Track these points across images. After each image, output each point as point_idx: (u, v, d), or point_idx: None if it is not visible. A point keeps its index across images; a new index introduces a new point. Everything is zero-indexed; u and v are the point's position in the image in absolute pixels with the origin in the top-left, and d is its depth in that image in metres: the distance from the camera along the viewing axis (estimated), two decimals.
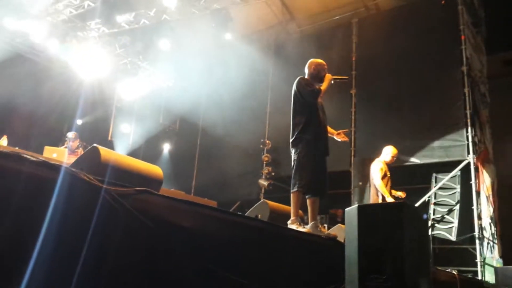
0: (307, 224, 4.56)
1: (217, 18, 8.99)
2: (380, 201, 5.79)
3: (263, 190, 9.72)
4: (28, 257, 2.14)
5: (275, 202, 5.25)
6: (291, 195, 4.48)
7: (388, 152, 6.08)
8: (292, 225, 4.34)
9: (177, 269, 2.74)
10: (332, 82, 4.67)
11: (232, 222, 3.28)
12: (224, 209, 3.54)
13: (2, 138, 6.98)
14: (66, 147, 7.24)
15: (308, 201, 4.49)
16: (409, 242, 2.67)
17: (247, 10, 9.51)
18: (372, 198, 5.97)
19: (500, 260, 7.59)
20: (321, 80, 4.64)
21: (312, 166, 4.46)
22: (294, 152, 4.56)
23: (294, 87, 4.64)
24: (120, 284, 2.41)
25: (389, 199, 5.73)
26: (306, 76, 4.73)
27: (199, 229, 2.95)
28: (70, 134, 7.43)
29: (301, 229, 4.23)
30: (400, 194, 6.00)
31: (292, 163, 4.56)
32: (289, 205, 4.57)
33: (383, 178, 5.86)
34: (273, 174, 9.77)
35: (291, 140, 4.60)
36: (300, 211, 5.03)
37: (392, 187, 6.01)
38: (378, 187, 5.82)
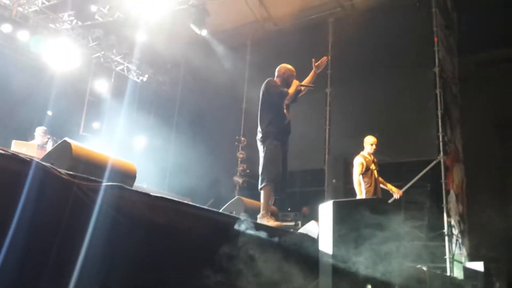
0: (281, 219, 4.61)
1: (194, 13, 8.92)
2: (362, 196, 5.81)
3: (237, 187, 9.71)
4: None
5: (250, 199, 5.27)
6: (261, 190, 4.56)
7: (367, 142, 6.11)
8: (263, 219, 4.39)
9: (150, 264, 2.71)
10: (299, 88, 4.84)
11: (206, 218, 3.27)
12: (198, 205, 3.51)
13: None
14: (36, 142, 7.06)
15: (264, 191, 4.55)
16: (383, 238, 2.71)
17: (224, 6, 9.45)
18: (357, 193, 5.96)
19: (467, 258, 7.80)
20: (289, 85, 4.80)
21: (278, 162, 4.58)
22: (262, 149, 4.66)
23: (262, 87, 4.80)
24: (92, 278, 2.36)
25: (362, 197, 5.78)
26: (275, 78, 4.90)
27: (173, 225, 2.92)
28: (39, 130, 7.26)
29: (271, 223, 4.28)
30: (395, 192, 6.03)
31: (260, 160, 4.65)
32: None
33: (365, 172, 5.87)
34: (247, 171, 9.76)
35: (258, 137, 4.73)
36: (273, 207, 5.06)
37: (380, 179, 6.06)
38: (354, 183, 5.88)
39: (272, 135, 4.65)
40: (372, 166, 5.97)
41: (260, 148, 4.70)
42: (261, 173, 4.59)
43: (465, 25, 9.82)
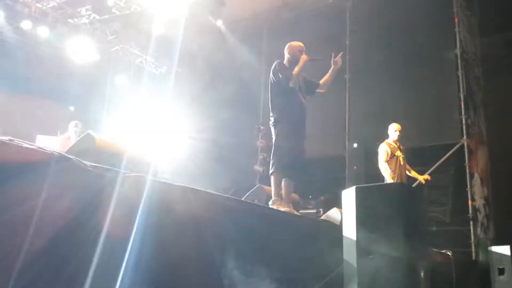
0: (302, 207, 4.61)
1: (210, 3, 8.90)
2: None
3: (258, 176, 9.72)
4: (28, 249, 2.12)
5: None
6: (271, 177, 4.54)
7: (391, 129, 6.13)
8: (273, 205, 4.38)
9: (175, 255, 2.74)
10: (309, 62, 4.68)
11: (231, 207, 3.29)
12: (221, 194, 3.54)
13: None
14: (67, 137, 7.13)
15: (283, 183, 4.52)
16: (407, 223, 2.69)
17: None
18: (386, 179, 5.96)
19: (493, 241, 7.68)
20: (297, 62, 4.65)
21: (289, 148, 4.49)
22: (273, 134, 4.61)
23: (270, 72, 4.71)
24: (114, 270, 2.40)
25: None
26: (284, 61, 4.75)
27: (198, 215, 2.95)
28: (72, 124, 7.33)
29: (281, 209, 4.27)
30: (421, 178, 5.99)
31: (272, 145, 4.63)
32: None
33: (390, 159, 5.88)
34: (268, 160, 9.74)
35: (270, 123, 4.65)
36: (295, 195, 5.05)
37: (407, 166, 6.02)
38: (381, 170, 5.86)
39: (283, 121, 4.55)
40: (398, 153, 5.98)
41: (273, 134, 4.67)
42: (271, 159, 4.58)
43: (486, 5, 9.54)
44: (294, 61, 4.68)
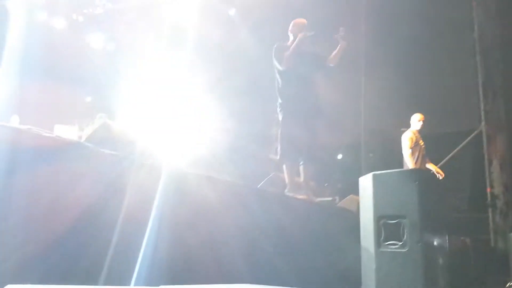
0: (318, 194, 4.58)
1: None
2: None
3: (274, 165, 9.71)
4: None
5: None
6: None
7: (414, 120, 6.11)
8: (289, 193, 4.35)
9: (191, 243, 2.76)
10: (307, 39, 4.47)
11: (246, 195, 3.30)
12: (237, 182, 3.55)
13: (13, 117, 6.99)
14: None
15: (285, 169, 4.51)
16: (424, 209, 2.66)
17: None
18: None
19: None
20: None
21: (287, 134, 4.43)
22: (279, 119, 4.59)
23: (272, 54, 4.60)
24: (132, 256, 2.43)
25: None
26: (289, 41, 4.58)
27: (213, 203, 2.96)
28: (99, 116, 7.39)
29: (299, 196, 4.24)
30: (437, 171, 5.94)
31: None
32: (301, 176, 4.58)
33: (414, 147, 5.86)
34: None
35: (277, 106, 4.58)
36: (311, 182, 5.02)
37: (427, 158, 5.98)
38: (405, 157, 5.83)
39: (285, 110, 4.44)
40: (421, 142, 5.96)
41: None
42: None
43: None
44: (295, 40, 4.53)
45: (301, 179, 4.47)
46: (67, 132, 6.17)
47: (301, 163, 4.50)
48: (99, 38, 9.57)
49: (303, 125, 4.42)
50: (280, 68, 4.39)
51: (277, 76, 4.52)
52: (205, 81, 11.83)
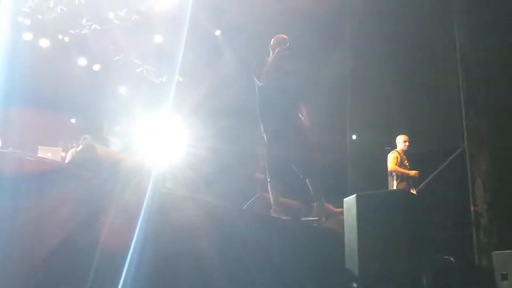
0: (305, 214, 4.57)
1: (209, 12, 8.97)
2: None
3: (260, 184, 9.68)
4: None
5: None
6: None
7: (399, 141, 6.21)
8: (273, 214, 4.31)
9: (175, 264, 2.74)
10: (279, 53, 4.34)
11: (231, 216, 3.28)
12: (222, 203, 3.54)
13: None
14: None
15: (270, 190, 4.45)
16: (409, 231, 2.68)
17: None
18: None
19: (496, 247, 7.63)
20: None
21: (272, 155, 4.37)
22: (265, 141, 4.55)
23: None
24: (114, 278, 2.40)
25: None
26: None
27: (198, 224, 2.94)
28: (84, 138, 7.31)
29: (283, 217, 4.20)
30: (412, 174, 6.02)
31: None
32: (288, 197, 4.59)
33: (399, 166, 5.94)
34: None
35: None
36: (294, 202, 4.99)
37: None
38: (390, 171, 5.87)
39: (268, 133, 4.36)
40: (406, 162, 6.06)
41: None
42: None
43: (487, 7, 9.55)
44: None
45: (286, 199, 4.47)
46: (51, 153, 6.13)
47: (287, 182, 4.49)
48: (85, 59, 9.56)
49: (287, 144, 4.33)
50: (260, 83, 4.27)
51: (257, 92, 4.40)
52: (191, 100, 11.88)
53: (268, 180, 4.42)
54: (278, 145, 4.34)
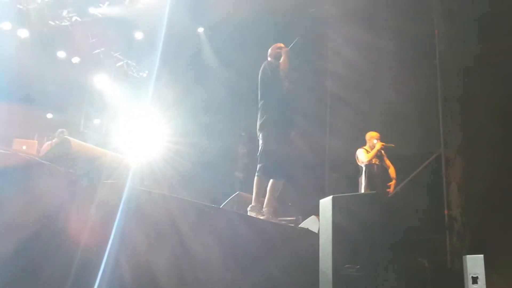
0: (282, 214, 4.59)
1: (191, 9, 8.93)
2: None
3: (238, 183, 9.71)
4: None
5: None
6: (255, 179, 4.48)
7: (367, 138, 6.26)
8: (252, 212, 4.32)
9: (152, 262, 2.72)
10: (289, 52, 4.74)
11: (209, 214, 3.28)
12: (200, 201, 3.53)
13: None
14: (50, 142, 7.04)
15: (270, 184, 4.47)
16: (383, 233, 2.72)
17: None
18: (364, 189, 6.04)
19: (469, 250, 7.79)
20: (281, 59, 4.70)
21: (274, 150, 4.43)
22: (261, 137, 4.57)
23: (260, 72, 4.68)
24: (90, 276, 2.37)
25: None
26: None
27: (176, 222, 2.93)
28: (59, 132, 7.23)
29: (260, 217, 4.22)
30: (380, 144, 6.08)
31: (259, 147, 4.57)
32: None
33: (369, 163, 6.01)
34: (249, 166, 9.76)
35: (258, 124, 4.60)
36: (263, 199, 4.99)
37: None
38: (364, 160, 5.92)
39: (269, 125, 4.50)
40: (374, 160, 6.10)
41: (259, 136, 4.61)
42: (258, 163, 4.54)
43: (467, 16, 9.74)
44: (279, 60, 4.74)
45: (269, 197, 4.44)
46: (26, 146, 6.01)
47: (281, 180, 4.49)
48: (64, 51, 9.41)
49: (284, 142, 4.51)
50: (275, 84, 4.55)
51: (263, 92, 4.63)
52: (171, 96, 11.81)
53: (257, 175, 4.41)
54: (277, 141, 4.45)
